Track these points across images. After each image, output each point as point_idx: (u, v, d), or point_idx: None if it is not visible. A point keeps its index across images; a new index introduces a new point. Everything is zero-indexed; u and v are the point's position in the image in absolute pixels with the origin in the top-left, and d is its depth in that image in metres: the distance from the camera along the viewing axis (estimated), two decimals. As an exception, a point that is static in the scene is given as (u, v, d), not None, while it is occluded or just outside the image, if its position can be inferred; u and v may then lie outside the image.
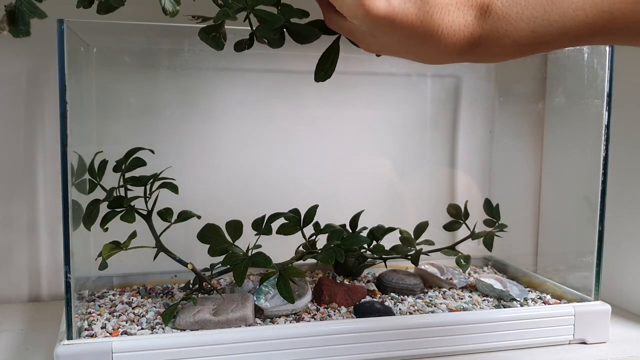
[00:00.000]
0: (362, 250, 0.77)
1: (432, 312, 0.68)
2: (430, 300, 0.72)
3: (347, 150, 0.91)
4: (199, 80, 0.84)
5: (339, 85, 0.89)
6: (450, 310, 0.69)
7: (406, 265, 0.84)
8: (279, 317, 0.65)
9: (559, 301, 0.73)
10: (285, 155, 0.88)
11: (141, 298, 0.72)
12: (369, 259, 0.79)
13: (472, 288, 0.79)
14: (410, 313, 0.68)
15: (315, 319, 0.65)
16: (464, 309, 0.69)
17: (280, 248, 0.71)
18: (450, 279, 0.80)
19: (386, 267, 0.79)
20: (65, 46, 0.54)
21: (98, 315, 0.66)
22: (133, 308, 0.68)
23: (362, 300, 0.71)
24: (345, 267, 0.81)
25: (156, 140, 0.81)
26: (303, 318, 0.65)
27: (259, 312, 0.66)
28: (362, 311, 0.66)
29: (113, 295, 0.73)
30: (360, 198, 0.88)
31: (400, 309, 0.69)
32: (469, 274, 0.86)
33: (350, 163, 0.91)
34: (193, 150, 0.84)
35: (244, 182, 0.87)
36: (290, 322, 0.64)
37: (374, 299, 0.71)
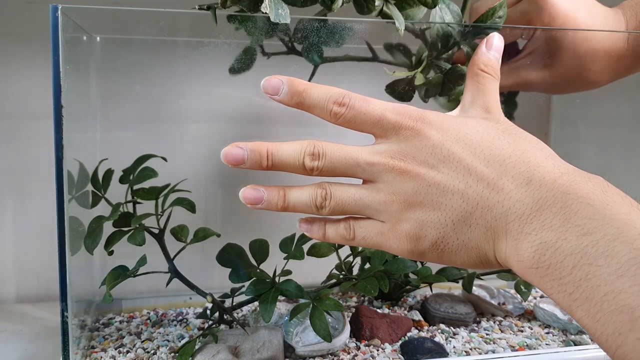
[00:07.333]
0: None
1: (493, 351, 0.58)
2: (487, 335, 0.62)
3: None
4: (213, 77, 0.74)
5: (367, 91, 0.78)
6: (513, 348, 0.59)
7: (449, 285, 0.74)
8: (313, 358, 0.55)
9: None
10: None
11: (152, 327, 0.63)
12: (412, 283, 0.68)
13: (528, 314, 0.69)
14: (467, 352, 0.57)
15: (356, 361, 0.55)
16: (528, 347, 0.59)
17: (304, 263, 0.61)
18: (504, 304, 0.70)
19: (431, 290, 0.69)
20: (61, 38, 0.44)
21: (102, 351, 0.57)
22: (142, 341, 0.59)
23: (408, 334, 0.61)
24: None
25: (167, 147, 0.71)
26: (342, 359, 0.55)
27: (288, 349, 0.56)
28: (411, 350, 0.56)
29: (120, 322, 0.64)
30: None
31: (454, 346, 0.59)
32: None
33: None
34: (209, 156, 0.74)
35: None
36: (328, 365, 0.54)
37: (422, 333, 0.61)
